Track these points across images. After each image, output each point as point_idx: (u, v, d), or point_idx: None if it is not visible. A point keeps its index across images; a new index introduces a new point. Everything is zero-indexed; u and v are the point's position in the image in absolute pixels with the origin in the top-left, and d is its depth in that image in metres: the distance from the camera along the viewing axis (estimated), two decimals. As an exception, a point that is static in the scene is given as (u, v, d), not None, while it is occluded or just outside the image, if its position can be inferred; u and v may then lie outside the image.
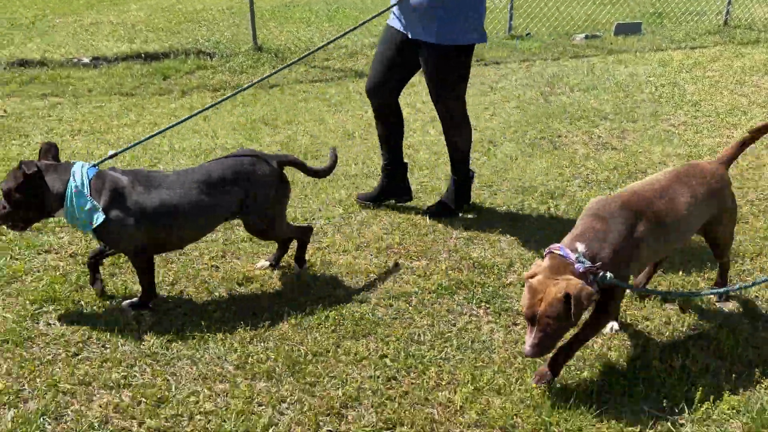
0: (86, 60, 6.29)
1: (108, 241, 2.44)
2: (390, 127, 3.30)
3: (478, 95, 5.29)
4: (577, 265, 1.94)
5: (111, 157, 2.58)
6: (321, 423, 1.91)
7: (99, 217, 2.28)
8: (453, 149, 3.24)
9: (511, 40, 7.02)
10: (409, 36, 3.00)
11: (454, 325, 2.38)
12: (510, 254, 2.88)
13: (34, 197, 2.29)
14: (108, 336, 2.27)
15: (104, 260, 2.61)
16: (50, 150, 2.42)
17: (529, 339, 1.92)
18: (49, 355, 2.17)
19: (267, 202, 2.52)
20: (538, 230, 3.10)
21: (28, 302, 2.44)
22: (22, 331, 2.26)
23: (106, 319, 2.37)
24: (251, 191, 2.47)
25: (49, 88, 5.50)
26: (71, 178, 2.31)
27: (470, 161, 3.32)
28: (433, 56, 2.98)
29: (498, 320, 2.41)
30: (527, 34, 7.30)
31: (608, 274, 1.94)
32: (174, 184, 2.41)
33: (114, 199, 2.31)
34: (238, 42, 6.92)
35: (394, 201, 3.38)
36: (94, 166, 2.40)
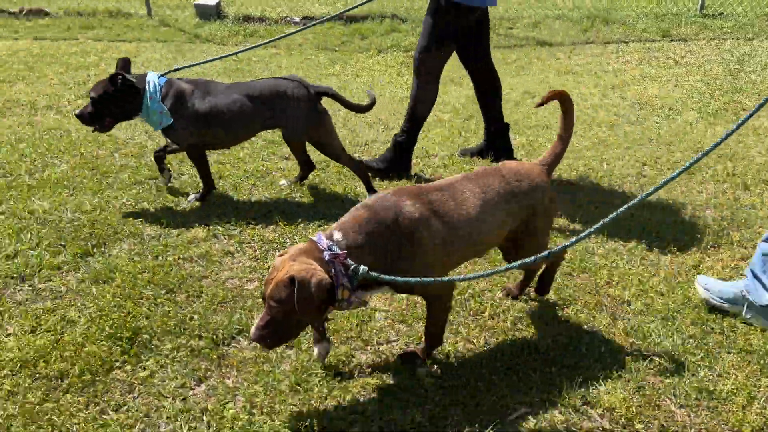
0: (297, 19, 7.19)
1: (172, 138, 2.95)
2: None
3: (663, 68, 5.37)
4: (325, 253, 1.74)
5: (176, 70, 3.07)
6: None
7: (167, 120, 2.82)
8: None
9: (702, 18, 6.87)
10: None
11: (624, 245, 2.72)
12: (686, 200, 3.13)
13: (120, 101, 2.81)
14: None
15: (167, 155, 3.19)
16: (125, 64, 2.90)
17: (257, 321, 1.75)
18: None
19: (298, 119, 2.93)
20: (714, 186, 3.29)
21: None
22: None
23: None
24: (284, 107, 2.91)
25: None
26: (147, 86, 2.80)
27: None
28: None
29: (665, 246, 2.71)
30: (720, 14, 7.08)
31: (362, 267, 1.73)
32: (224, 94, 2.89)
33: (177, 103, 2.83)
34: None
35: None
36: (163, 75, 2.90)
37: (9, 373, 1.96)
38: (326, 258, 1.74)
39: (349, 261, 1.75)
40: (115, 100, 2.80)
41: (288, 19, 7.20)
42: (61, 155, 3.58)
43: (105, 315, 2.19)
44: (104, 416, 1.83)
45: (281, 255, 1.80)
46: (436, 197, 1.91)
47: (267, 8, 7.63)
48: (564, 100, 2.16)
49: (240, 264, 2.58)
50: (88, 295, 2.32)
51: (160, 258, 2.58)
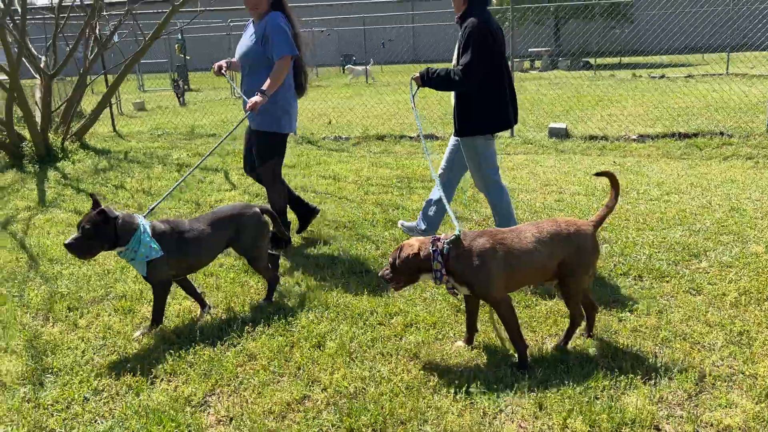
0: (634, 136, 8.90)
1: (153, 273, 3.19)
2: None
3: None
4: (433, 240, 2.81)
5: (154, 206, 3.57)
6: None
7: (156, 253, 3.14)
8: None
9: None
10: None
11: None
12: None
13: (106, 233, 3.07)
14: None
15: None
16: (96, 199, 3.18)
17: (383, 268, 2.96)
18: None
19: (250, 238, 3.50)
20: None
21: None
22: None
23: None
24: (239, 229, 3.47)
25: (615, 153, 8.18)
26: (140, 224, 3.15)
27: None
28: None
29: None
30: None
31: (446, 246, 2.76)
32: (192, 228, 3.34)
33: (161, 240, 3.20)
34: (752, 129, 8.66)
35: None
36: (144, 216, 3.30)
37: None
38: (431, 241, 2.77)
39: (445, 247, 2.74)
40: (104, 232, 3.08)
41: (627, 136, 8.95)
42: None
43: None
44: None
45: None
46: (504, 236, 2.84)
47: (606, 127, 9.52)
48: (612, 179, 2.99)
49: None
50: None
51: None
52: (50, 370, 2.96)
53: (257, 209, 3.58)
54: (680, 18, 21.96)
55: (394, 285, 2.87)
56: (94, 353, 3.12)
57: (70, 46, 9.23)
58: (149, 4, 11.62)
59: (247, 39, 4.40)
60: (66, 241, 3.04)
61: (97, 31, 9.24)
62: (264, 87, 4.11)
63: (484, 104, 3.96)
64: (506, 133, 9.70)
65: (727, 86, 12.89)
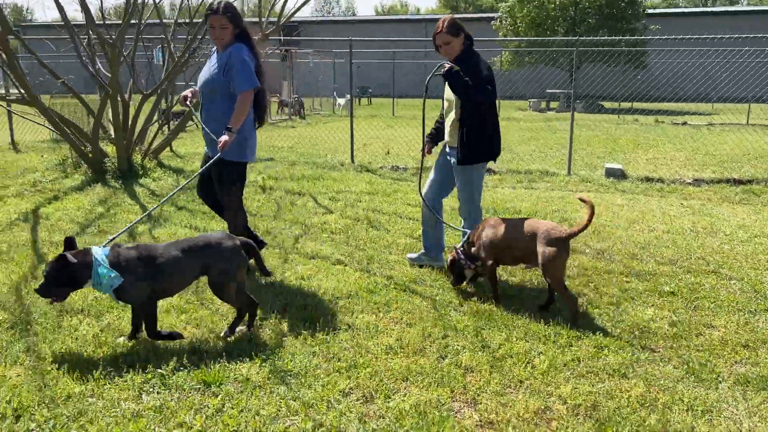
0: (689, 180, 9.31)
1: (125, 298, 3.32)
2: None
3: None
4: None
5: (110, 241, 3.58)
6: None
7: (118, 280, 3.22)
8: None
9: None
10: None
11: None
12: None
13: (69, 276, 3.24)
14: None
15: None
16: (71, 243, 3.36)
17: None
18: None
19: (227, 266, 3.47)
20: None
21: None
22: None
23: None
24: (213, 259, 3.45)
25: (676, 195, 8.56)
26: (94, 258, 3.24)
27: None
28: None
29: None
30: None
31: (462, 241, 4.46)
32: (163, 253, 3.38)
33: (125, 265, 3.27)
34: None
35: None
36: (105, 246, 3.39)
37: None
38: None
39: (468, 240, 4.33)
40: (65, 276, 3.26)
41: (682, 179, 9.34)
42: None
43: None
44: None
45: None
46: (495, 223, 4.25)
47: (657, 170, 9.92)
48: (591, 206, 3.84)
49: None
50: None
51: None
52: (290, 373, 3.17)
53: (237, 242, 3.57)
54: (694, 68, 22.80)
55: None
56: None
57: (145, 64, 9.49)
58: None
59: (209, 68, 4.52)
60: (36, 288, 3.32)
61: (171, 48, 9.52)
62: (230, 124, 4.28)
63: (487, 134, 4.50)
64: (563, 171, 10.09)
65: (751, 135, 13.44)
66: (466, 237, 4.45)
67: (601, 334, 3.72)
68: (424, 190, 5.01)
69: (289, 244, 5.64)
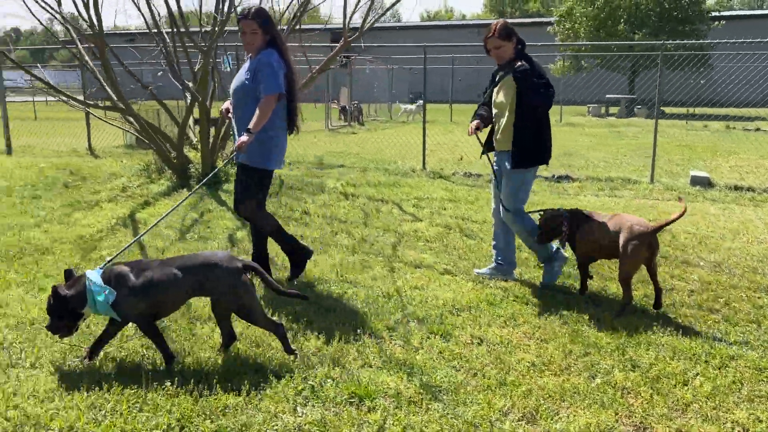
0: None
1: (121, 314, 3.20)
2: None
3: None
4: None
5: (111, 259, 3.48)
6: None
7: (112, 296, 3.13)
8: None
9: None
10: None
11: None
12: None
13: (66, 307, 3.20)
14: None
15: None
16: (69, 274, 3.31)
17: None
18: None
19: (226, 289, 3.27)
20: None
21: None
22: None
23: None
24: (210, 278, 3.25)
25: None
26: (87, 282, 3.15)
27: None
28: None
29: None
30: None
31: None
32: (158, 270, 3.24)
33: (118, 282, 3.18)
34: None
35: None
36: (100, 268, 3.29)
37: None
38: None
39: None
40: (62, 308, 3.22)
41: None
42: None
43: None
44: None
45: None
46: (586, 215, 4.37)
47: (744, 178, 9.53)
48: (684, 207, 4.18)
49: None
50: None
51: None
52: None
53: (239, 264, 3.31)
54: (761, 71, 21.97)
55: None
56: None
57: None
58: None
59: (241, 74, 4.51)
60: (46, 326, 3.28)
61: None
62: (250, 125, 4.21)
63: (543, 137, 4.51)
64: (644, 178, 9.78)
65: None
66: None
67: (756, 355, 3.52)
68: (492, 205, 4.98)
69: (389, 252, 5.58)
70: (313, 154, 12.31)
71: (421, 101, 21.66)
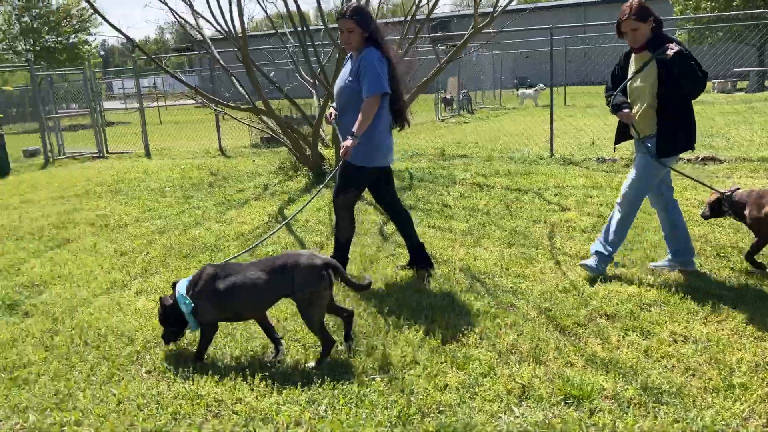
0: None
1: (199, 318, 3.27)
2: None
3: None
4: None
5: (231, 258, 3.64)
6: None
7: (190, 305, 3.23)
8: None
9: None
10: None
11: None
12: None
13: (171, 315, 3.37)
14: None
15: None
16: (173, 286, 3.40)
17: None
18: None
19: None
20: None
21: None
22: None
23: None
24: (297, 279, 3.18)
25: None
26: (178, 291, 3.29)
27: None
28: None
29: None
30: None
31: None
32: (240, 274, 3.23)
33: (205, 283, 3.25)
34: None
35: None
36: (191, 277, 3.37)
37: None
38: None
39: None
40: (170, 317, 3.40)
41: None
42: None
43: None
44: None
45: None
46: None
47: None
48: None
49: None
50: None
51: None
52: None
53: (319, 261, 3.23)
54: None
55: None
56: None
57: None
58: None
59: (343, 76, 4.41)
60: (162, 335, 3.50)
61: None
62: (354, 128, 4.13)
63: (691, 123, 4.23)
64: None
65: None
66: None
67: None
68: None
69: (546, 244, 5.39)
70: (432, 146, 12.24)
71: (541, 85, 21.09)
